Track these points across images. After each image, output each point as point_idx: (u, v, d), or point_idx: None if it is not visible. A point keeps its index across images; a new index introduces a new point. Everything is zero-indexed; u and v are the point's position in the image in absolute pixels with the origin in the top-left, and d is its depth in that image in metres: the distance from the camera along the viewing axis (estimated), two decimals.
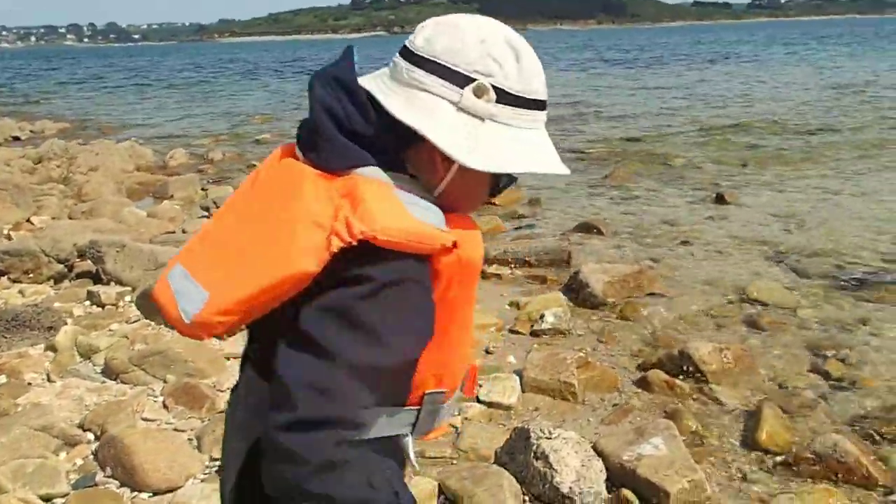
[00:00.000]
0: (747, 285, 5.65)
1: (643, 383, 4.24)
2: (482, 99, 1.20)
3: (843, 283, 5.73)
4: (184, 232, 7.77)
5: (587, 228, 7.30)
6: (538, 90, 1.26)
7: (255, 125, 17.94)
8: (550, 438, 3.11)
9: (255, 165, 11.86)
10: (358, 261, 1.13)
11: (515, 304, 5.43)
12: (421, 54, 1.21)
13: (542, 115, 1.29)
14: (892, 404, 3.84)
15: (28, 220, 8.57)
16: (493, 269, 6.16)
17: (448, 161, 1.23)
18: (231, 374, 4.44)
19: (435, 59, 1.20)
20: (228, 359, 4.66)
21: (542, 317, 5.02)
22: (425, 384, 1.29)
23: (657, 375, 4.23)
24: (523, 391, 4.12)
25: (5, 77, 48.23)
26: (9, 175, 10.60)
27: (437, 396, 1.31)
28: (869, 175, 9.47)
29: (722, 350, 4.37)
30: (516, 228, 7.66)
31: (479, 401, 4.04)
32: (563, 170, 1.32)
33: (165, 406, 4.11)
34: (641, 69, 33.57)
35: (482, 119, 1.21)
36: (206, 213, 8.24)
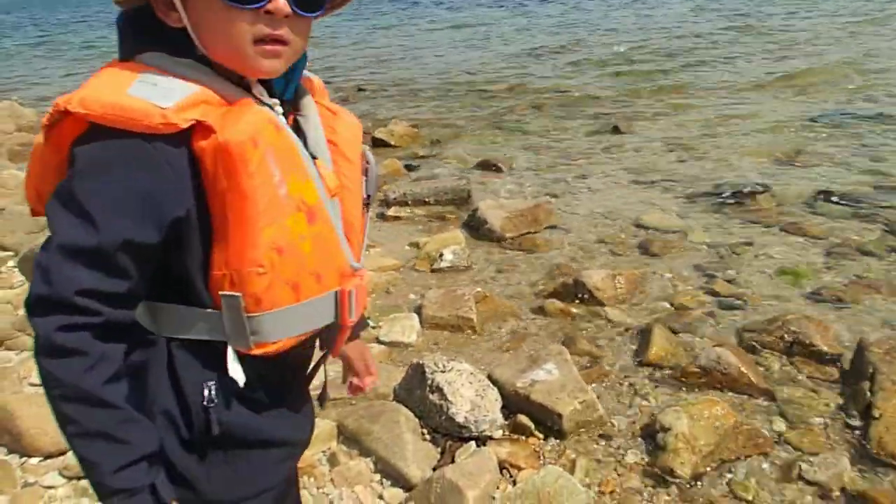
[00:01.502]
0: (641, 213, 5.81)
1: (540, 312, 4.33)
2: None
3: (730, 206, 5.94)
4: None
5: (487, 166, 7.32)
6: None
7: None
8: (445, 371, 3.13)
9: None
10: (74, 140, 1.14)
11: (416, 245, 5.42)
12: None
13: None
14: (773, 316, 4.02)
15: None
16: (392, 211, 6.12)
17: (170, 11, 1.19)
18: None
19: None
20: None
21: (441, 255, 5.03)
22: (219, 285, 1.22)
23: (553, 305, 4.32)
24: (423, 329, 4.14)
25: None
26: None
27: (233, 301, 1.22)
28: (759, 102, 9.78)
29: (615, 276, 4.49)
30: (413, 169, 7.61)
31: (379, 341, 4.04)
32: None
33: None
34: (528, 4, 33.56)
35: None
36: None
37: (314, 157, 1.31)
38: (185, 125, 1.11)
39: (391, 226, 5.95)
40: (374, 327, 4.23)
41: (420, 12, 28.82)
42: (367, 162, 1.44)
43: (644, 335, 3.93)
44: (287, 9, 1.17)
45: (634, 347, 3.89)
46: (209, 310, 1.24)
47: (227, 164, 1.14)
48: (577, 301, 4.36)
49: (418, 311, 4.29)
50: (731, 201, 6.04)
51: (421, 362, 3.25)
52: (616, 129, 8.63)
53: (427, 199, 6.22)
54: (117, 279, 1.13)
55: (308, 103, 1.37)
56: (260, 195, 1.17)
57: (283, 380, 1.41)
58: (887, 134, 7.59)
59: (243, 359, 1.27)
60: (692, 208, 5.98)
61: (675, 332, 3.99)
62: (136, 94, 1.11)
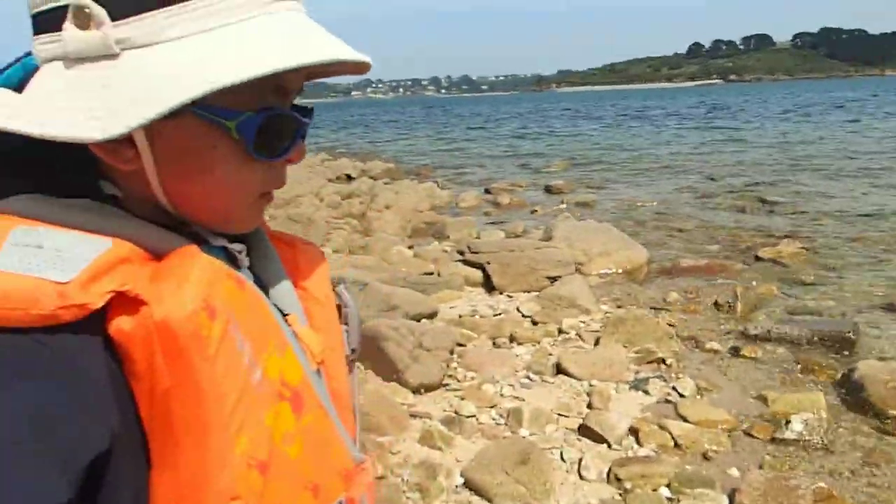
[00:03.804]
0: None
1: None
2: (90, 29, 0.70)
3: None
4: (438, 275, 7.71)
5: (891, 308, 5.78)
6: None
7: (554, 171, 17.72)
8: None
9: (535, 210, 11.69)
10: None
11: (762, 399, 4.35)
12: None
13: None
14: None
15: None
16: (748, 349, 5.07)
17: (121, 149, 0.73)
18: (413, 433, 4.14)
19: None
20: (414, 416, 4.40)
21: (788, 422, 3.93)
22: None
23: None
24: None
25: (361, 120, 54.56)
26: (313, 209, 11.60)
27: None
28: None
29: None
30: (790, 296, 6.34)
31: None
32: (327, 54, 0.72)
33: None
34: None
35: (114, 56, 0.71)
36: (461, 257, 8.05)
37: (284, 315, 0.86)
38: (99, 303, 0.67)
39: (740, 366, 4.89)
40: (669, 499, 3.39)
41: None
42: (346, 305, 0.99)
43: None
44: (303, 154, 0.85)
45: None
46: None
47: (170, 351, 0.70)
48: None
49: (731, 495, 3.31)
50: None
51: None
52: None
53: (794, 340, 5.04)
54: None
55: (260, 237, 0.92)
56: (227, 389, 0.73)
57: None
58: None
59: None
60: None
61: None
62: (15, 267, 0.67)
